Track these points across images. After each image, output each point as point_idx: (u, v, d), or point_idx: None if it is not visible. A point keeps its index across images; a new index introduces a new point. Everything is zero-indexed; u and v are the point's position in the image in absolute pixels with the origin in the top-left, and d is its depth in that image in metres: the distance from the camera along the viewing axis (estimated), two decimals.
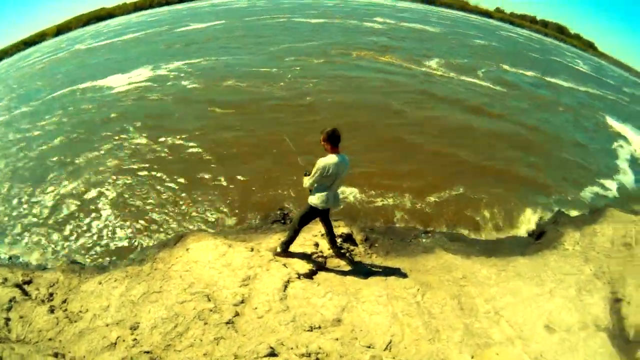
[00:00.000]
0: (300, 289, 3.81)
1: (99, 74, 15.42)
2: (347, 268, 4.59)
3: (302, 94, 11.72)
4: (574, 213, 7.40)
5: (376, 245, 5.35)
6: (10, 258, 5.27)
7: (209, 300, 3.57)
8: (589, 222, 6.62)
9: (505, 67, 22.04)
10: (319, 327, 3.44)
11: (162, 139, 8.47)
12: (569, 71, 29.68)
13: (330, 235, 4.50)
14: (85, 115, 10.74)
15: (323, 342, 3.16)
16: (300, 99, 11.36)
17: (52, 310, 3.86)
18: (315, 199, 3.91)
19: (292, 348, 3.09)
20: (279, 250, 4.40)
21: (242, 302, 3.58)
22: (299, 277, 3.98)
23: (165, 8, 59.40)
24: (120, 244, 5.35)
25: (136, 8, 66.11)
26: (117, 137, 8.77)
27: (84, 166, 7.56)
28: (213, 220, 5.83)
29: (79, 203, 6.36)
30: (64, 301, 4.08)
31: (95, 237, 5.49)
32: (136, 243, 5.33)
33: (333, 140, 3.69)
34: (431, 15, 53.32)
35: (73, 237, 5.53)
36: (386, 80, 14.11)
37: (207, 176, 7.02)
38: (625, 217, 6.64)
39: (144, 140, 8.48)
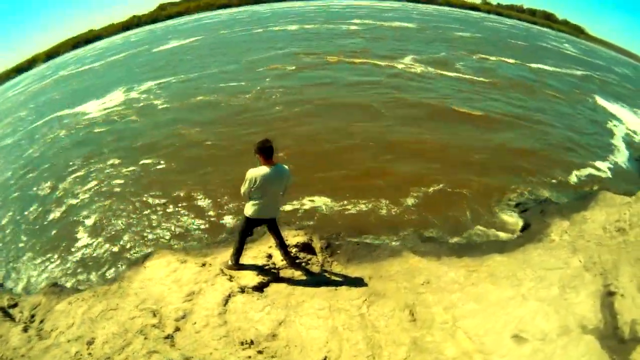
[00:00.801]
0: (241, 303, 3.74)
1: (76, 101, 16.02)
2: (302, 278, 4.43)
3: (270, 105, 11.75)
4: (563, 200, 6.90)
5: (338, 252, 5.12)
6: (1, 285, 5.66)
7: (155, 315, 3.63)
8: (578, 208, 6.06)
9: (487, 56, 21.37)
10: (252, 343, 3.37)
11: (134, 161, 8.73)
12: (556, 55, 28.53)
13: (281, 245, 4.40)
14: (62, 144, 11.19)
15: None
16: (268, 109, 11.36)
17: (25, 330, 4.11)
18: (247, 209, 3.94)
19: None
20: (230, 263, 4.39)
21: (184, 317, 3.61)
22: (242, 291, 3.92)
23: (152, 26, 60.55)
24: (96, 266, 5.59)
25: (124, 28, 66.75)
26: (91, 163, 9.07)
27: (62, 194, 7.90)
28: (180, 236, 5.97)
29: (59, 228, 6.71)
30: (42, 321, 4.30)
31: (74, 261, 5.79)
32: (110, 263, 5.58)
33: (264, 152, 3.64)
34: (413, 12, 52.28)
35: (55, 262, 5.85)
36: (356, 84, 13.87)
37: (179, 193, 7.15)
38: (618, 200, 6.05)
39: (116, 164, 8.77)
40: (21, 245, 6.52)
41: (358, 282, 4.32)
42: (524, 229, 5.92)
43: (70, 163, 9.34)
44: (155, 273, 4.22)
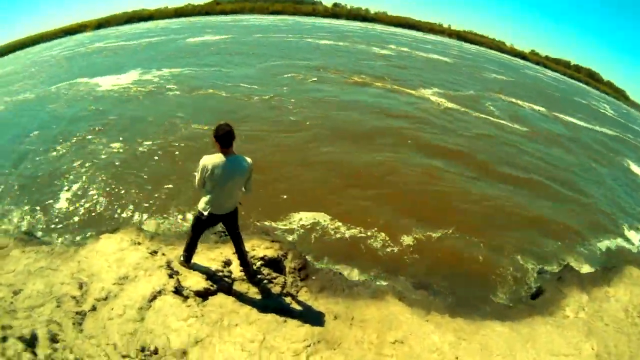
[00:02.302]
0: (169, 304, 3.30)
1: (97, 72, 16.54)
2: (256, 297, 3.79)
3: (281, 113, 11.41)
4: (584, 269, 5.93)
5: (313, 278, 4.41)
6: None
7: (80, 288, 3.48)
8: (601, 282, 5.26)
9: (519, 102, 20.13)
10: (155, 352, 2.90)
11: (130, 140, 8.74)
12: (592, 113, 26.67)
13: (239, 252, 3.82)
14: (69, 110, 11.47)
15: None
16: (279, 117, 10.98)
17: None
18: (200, 203, 3.40)
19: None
20: (181, 259, 3.94)
21: (106, 299, 3.36)
22: (177, 292, 3.48)
23: (201, 17, 60.74)
24: (71, 227, 5.65)
25: (176, 14, 66.00)
26: (91, 133, 9.22)
27: (57, 155, 8.14)
28: (157, 219, 5.85)
29: (48, 184, 6.86)
30: None
31: (52, 218, 5.88)
32: (80, 229, 5.62)
33: (220, 139, 3.07)
34: (454, 48, 51.26)
35: (37, 214, 5.97)
36: (375, 108, 13.17)
37: (165, 178, 7.02)
38: None
39: (112, 140, 8.81)
40: (8, 190, 6.69)
41: (317, 319, 3.57)
42: (537, 295, 5.03)
43: (73, 130, 9.51)
44: (105, 247, 4.01)
